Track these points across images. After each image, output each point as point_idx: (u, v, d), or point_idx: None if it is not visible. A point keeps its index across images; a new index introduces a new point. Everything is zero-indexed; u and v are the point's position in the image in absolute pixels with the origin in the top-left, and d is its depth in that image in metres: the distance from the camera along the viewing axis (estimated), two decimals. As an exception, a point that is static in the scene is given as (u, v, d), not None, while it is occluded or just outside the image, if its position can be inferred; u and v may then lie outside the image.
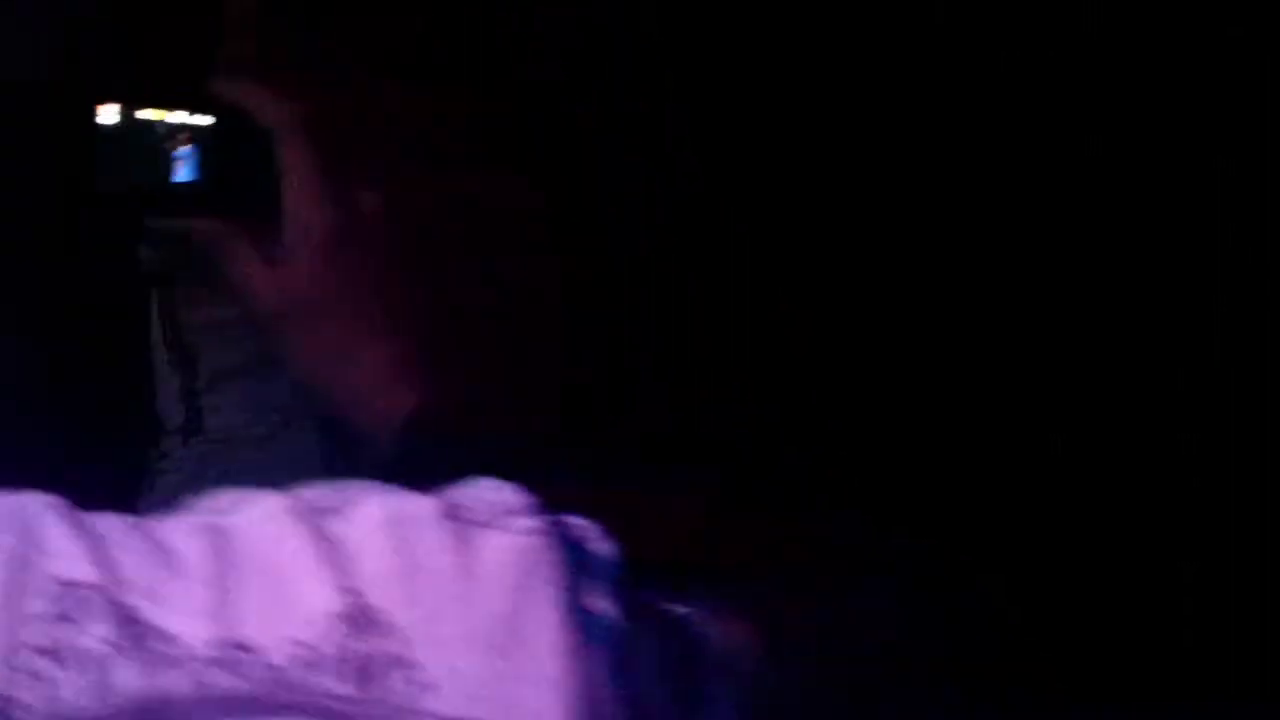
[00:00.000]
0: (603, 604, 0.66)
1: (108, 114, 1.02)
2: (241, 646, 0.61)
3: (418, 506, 0.65)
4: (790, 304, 1.31)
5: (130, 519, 0.65)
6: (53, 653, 0.61)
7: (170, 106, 1.02)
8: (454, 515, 0.65)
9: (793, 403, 1.30)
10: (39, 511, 0.63)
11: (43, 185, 1.10)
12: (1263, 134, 1.31)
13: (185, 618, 0.62)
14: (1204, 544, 1.31)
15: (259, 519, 0.65)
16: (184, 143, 1.02)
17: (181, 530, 0.64)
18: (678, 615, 0.70)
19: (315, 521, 0.64)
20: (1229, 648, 1.29)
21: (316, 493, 0.66)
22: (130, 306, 1.21)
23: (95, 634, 0.61)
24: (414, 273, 1.05)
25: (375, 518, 0.64)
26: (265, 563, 0.63)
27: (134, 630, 0.61)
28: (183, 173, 1.02)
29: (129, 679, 0.60)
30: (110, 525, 0.64)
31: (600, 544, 0.68)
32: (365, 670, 0.61)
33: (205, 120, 1.02)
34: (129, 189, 1.03)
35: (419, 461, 0.97)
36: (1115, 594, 1.31)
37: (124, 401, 1.21)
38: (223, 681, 0.60)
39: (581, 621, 0.64)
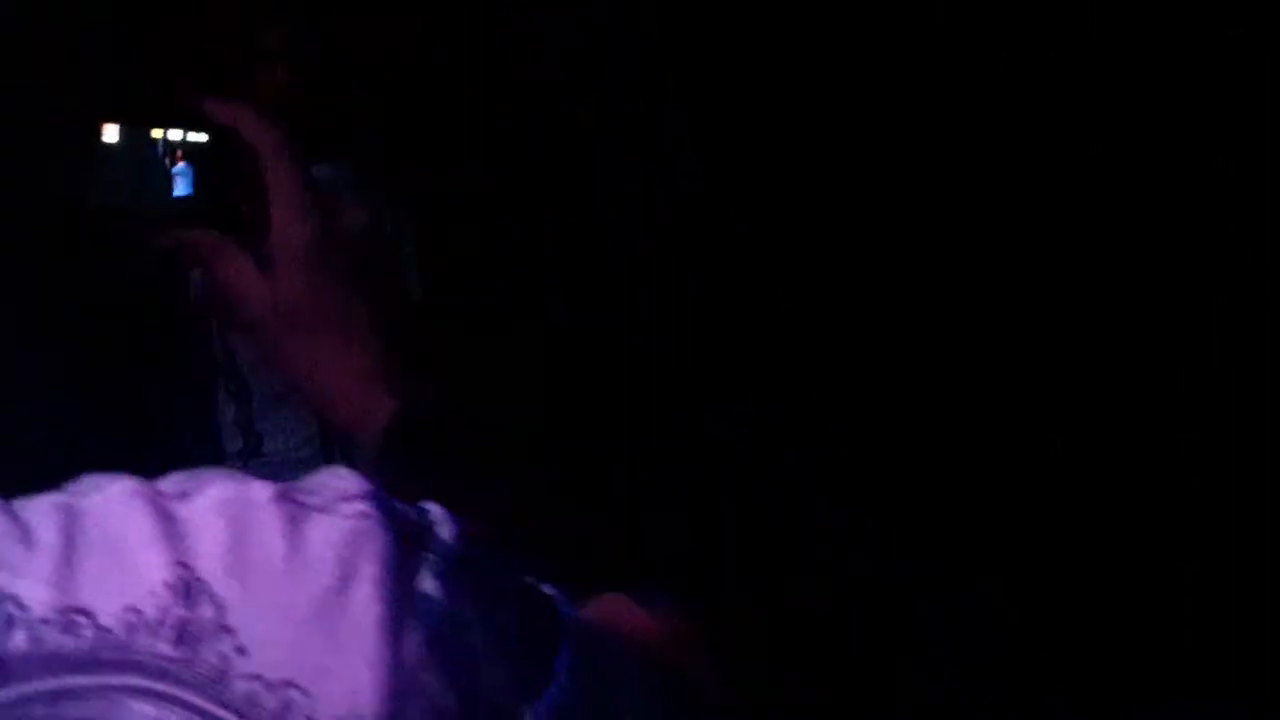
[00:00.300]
0: (433, 584, 0.70)
1: (109, 131, 1.05)
2: (79, 611, 0.68)
3: (254, 491, 0.71)
4: (790, 304, 1.31)
5: None
6: None
7: (166, 124, 1.06)
8: (288, 499, 0.71)
9: (793, 403, 1.30)
10: None
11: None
12: (1263, 134, 1.31)
13: (32, 585, 0.68)
14: (1204, 544, 1.31)
15: (108, 499, 0.71)
16: (179, 159, 1.06)
17: (38, 508, 0.71)
18: (541, 597, 0.74)
19: (160, 503, 0.71)
20: (1229, 648, 1.29)
21: (169, 480, 0.72)
22: (195, 336, 1.25)
23: None
24: (393, 281, 1.09)
25: (214, 500, 0.71)
26: (109, 538, 0.70)
27: None
28: (179, 188, 1.06)
29: None
30: None
31: (443, 527, 0.73)
32: (185, 633, 0.68)
33: (199, 137, 1.06)
34: (129, 204, 1.06)
35: (402, 461, 1.01)
36: (1115, 594, 1.31)
37: (188, 427, 1.26)
38: (58, 641, 0.67)
39: (404, 599, 0.69)
